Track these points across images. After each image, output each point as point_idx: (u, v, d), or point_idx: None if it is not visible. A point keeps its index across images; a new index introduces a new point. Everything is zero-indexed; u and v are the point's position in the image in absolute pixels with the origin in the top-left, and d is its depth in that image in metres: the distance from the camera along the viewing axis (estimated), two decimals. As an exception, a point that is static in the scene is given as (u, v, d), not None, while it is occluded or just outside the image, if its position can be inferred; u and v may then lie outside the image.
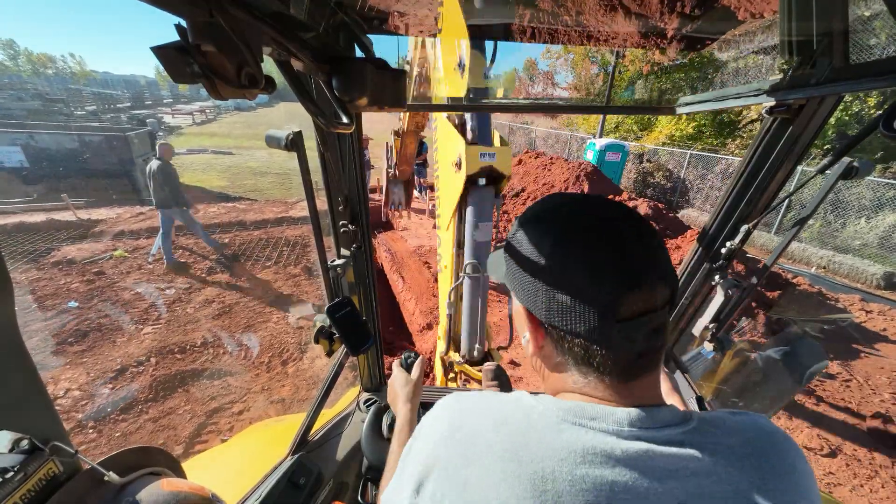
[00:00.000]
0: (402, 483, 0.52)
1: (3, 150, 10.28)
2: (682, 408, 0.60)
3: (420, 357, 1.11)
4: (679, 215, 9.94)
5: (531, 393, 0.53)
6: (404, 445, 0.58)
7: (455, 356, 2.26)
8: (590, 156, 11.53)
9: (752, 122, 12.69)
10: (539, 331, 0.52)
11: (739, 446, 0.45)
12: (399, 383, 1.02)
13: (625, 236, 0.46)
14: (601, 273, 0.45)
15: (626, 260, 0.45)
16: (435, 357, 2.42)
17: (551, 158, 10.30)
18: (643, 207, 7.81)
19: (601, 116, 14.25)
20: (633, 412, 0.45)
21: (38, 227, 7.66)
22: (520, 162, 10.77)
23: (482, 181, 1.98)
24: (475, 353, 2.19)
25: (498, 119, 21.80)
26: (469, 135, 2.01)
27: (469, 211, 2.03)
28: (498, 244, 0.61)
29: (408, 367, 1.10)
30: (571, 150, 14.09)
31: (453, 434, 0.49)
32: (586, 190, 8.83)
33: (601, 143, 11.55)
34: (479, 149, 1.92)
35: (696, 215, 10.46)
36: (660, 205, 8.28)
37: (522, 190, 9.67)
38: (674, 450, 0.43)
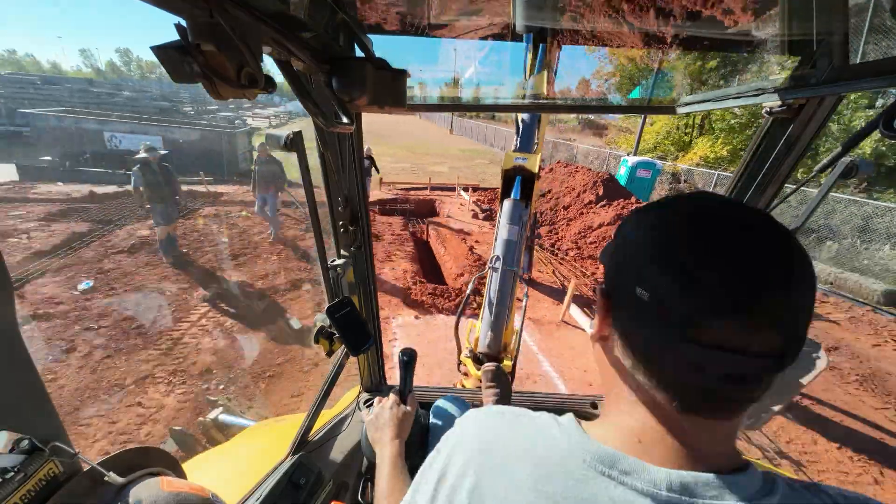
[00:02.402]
0: (421, 495, 0.50)
1: (151, 139, 12.93)
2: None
3: (412, 394, 1.10)
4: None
5: (555, 415, 0.48)
6: (396, 484, 0.55)
7: (465, 349, 2.28)
8: (622, 171, 12.45)
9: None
10: (607, 317, 0.46)
11: None
12: (388, 417, 0.97)
13: (760, 253, 0.36)
14: (704, 276, 0.36)
15: (742, 277, 0.35)
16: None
17: (577, 168, 11.68)
18: None
19: (636, 136, 15.80)
20: (677, 475, 0.37)
21: (184, 194, 10.30)
22: (551, 170, 12.24)
23: (516, 195, 2.52)
24: (487, 346, 2.20)
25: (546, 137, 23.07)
26: (514, 145, 2.74)
27: (503, 212, 2.49)
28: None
29: (405, 364, 1.11)
30: (610, 166, 15.10)
31: (479, 457, 0.46)
32: (600, 193, 9.63)
33: (633, 160, 12.39)
34: (515, 154, 2.65)
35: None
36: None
37: (549, 190, 10.89)
38: None
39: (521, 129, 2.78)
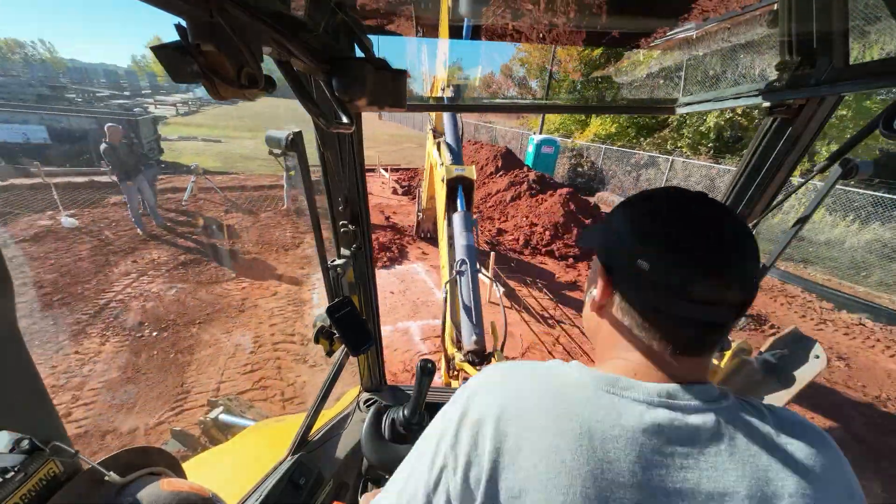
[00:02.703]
0: (443, 442, 0.52)
1: (31, 128, 12.26)
2: None
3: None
4: (596, 196, 12.76)
5: (564, 362, 0.57)
6: None
7: (457, 354, 2.26)
8: (530, 149, 13.83)
9: (672, 126, 14.63)
10: (608, 288, 0.56)
11: (765, 429, 0.47)
12: None
13: (725, 233, 0.49)
14: (690, 251, 0.48)
15: (717, 251, 0.48)
16: (441, 357, 2.51)
17: (482, 144, 13.12)
18: (563, 192, 9.18)
19: (540, 117, 17.19)
20: (665, 387, 0.48)
21: (84, 185, 10.08)
22: (462, 148, 13.02)
23: (462, 207, 3.06)
24: (474, 343, 2.20)
25: (465, 118, 24.62)
26: (448, 160, 3.59)
27: (456, 224, 2.86)
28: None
29: (430, 375, 1.03)
30: (523, 145, 16.59)
31: (505, 389, 0.52)
32: (499, 165, 11.14)
33: (538, 138, 13.73)
34: (455, 167, 3.36)
35: (608, 196, 13.03)
36: (567, 190, 9.47)
37: None
38: (698, 419, 0.46)
39: (451, 149, 3.70)
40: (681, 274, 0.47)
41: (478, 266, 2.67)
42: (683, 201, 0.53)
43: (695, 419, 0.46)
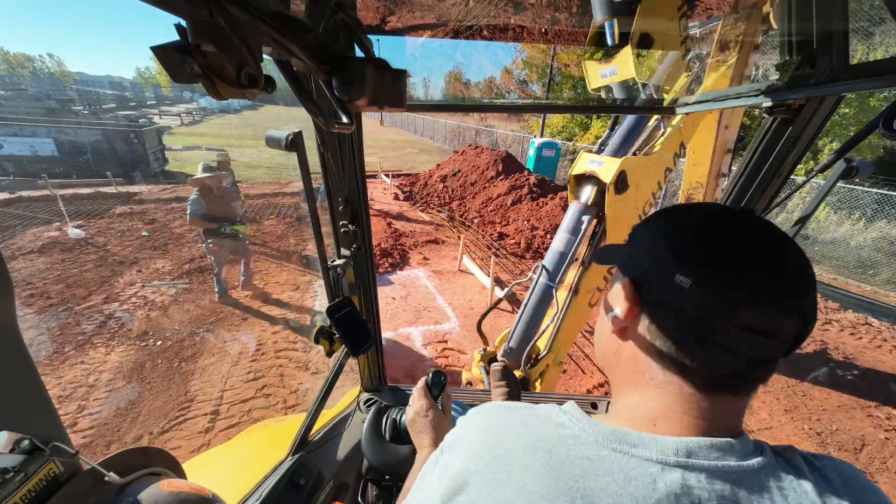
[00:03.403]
0: (424, 497, 0.49)
1: (38, 141, 12.66)
2: None
3: (446, 390, 1.03)
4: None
5: (561, 407, 0.49)
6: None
7: (481, 352, 2.24)
8: (531, 152, 13.74)
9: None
10: (635, 307, 0.48)
11: (815, 494, 0.39)
12: (426, 423, 0.94)
13: (787, 257, 0.42)
14: (747, 271, 0.41)
15: (778, 275, 0.41)
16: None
17: (482, 148, 13.26)
18: (564, 195, 9.20)
19: (541, 120, 17.42)
20: (685, 442, 0.41)
21: (90, 196, 10.57)
22: (463, 153, 13.34)
23: (585, 198, 2.15)
24: (504, 355, 2.16)
25: (466, 122, 24.92)
26: (599, 147, 2.28)
27: (565, 216, 2.21)
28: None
29: (432, 386, 1.03)
30: (524, 149, 16.72)
31: (487, 451, 0.46)
32: (500, 169, 11.08)
33: (539, 141, 13.63)
34: (591, 156, 2.16)
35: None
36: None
37: (459, 170, 12.22)
38: (727, 486, 0.38)
39: (616, 129, 2.22)
40: (733, 296, 0.40)
41: (556, 282, 2.15)
42: (731, 217, 0.46)
43: (719, 484, 0.38)
